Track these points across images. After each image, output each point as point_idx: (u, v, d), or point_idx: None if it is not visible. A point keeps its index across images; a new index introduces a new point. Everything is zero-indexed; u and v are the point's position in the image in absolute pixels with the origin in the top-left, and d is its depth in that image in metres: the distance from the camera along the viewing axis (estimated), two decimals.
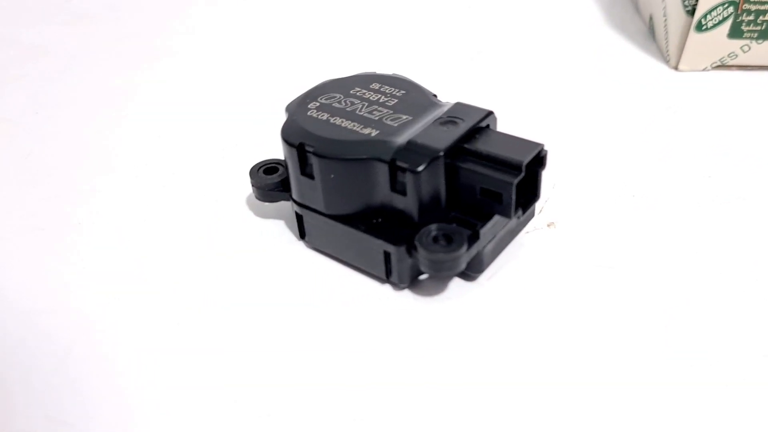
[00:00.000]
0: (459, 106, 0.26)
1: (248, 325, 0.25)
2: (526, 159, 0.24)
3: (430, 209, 0.25)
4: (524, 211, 0.25)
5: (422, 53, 0.44)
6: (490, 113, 0.26)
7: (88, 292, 0.27)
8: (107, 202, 0.32)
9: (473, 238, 0.24)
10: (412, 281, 0.26)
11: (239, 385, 0.23)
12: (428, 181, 0.24)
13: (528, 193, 0.26)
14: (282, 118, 0.28)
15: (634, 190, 0.31)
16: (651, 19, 0.44)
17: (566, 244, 0.28)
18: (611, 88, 0.39)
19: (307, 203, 0.27)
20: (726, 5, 0.37)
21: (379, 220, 0.26)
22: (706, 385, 0.23)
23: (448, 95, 0.29)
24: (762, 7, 0.37)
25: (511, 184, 0.23)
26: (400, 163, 0.24)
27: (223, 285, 0.27)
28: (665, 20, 0.41)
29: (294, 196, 0.27)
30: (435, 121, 0.25)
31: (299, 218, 0.28)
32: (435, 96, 0.28)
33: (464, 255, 0.24)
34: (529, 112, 0.37)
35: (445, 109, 0.26)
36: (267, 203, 0.29)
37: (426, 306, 0.26)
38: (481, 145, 0.25)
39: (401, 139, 0.25)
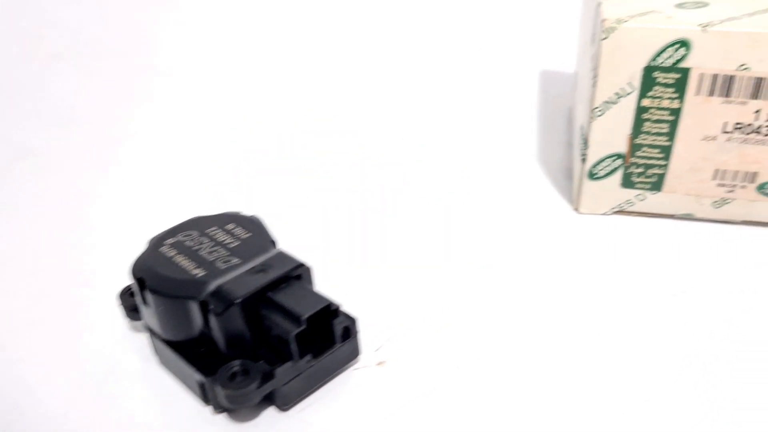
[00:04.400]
0: (278, 256, 0.30)
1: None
2: (308, 313, 0.27)
3: (237, 346, 0.28)
4: (316, 357, 0.28)
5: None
6: (301, 265, 0.29)
7: None
8: None
9: (268, 377, 0.27)
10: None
11: None
12: (230, 322, 0.27)
13: (326, 340, 0.28)
14: None
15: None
16: (572, 161, 0.46)
17: (389, 384, 0.30)
18: (511, 225, 0.41)
19: (151, 326, 0.31)
20: (614, 158, 0.39)
21: (203, 350, 0.29)
22: None
23: None
24: (649, 161, 0.38)
25: (291, 333, 0.26)
26: (210, 306, 0.27)
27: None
28: (573, 164, 0.43)
29: (144, 318, 0.31)
30: (252, 268, 0.29)
31: (150, 338, 0.31)
32: (273, 243, 0.31)
33: (254, 392, 0.27)
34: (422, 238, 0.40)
35: (268, 256, 0.30)
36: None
37: None
38: (281, 295, 0.28)
39: (218, 282, 0.28)
